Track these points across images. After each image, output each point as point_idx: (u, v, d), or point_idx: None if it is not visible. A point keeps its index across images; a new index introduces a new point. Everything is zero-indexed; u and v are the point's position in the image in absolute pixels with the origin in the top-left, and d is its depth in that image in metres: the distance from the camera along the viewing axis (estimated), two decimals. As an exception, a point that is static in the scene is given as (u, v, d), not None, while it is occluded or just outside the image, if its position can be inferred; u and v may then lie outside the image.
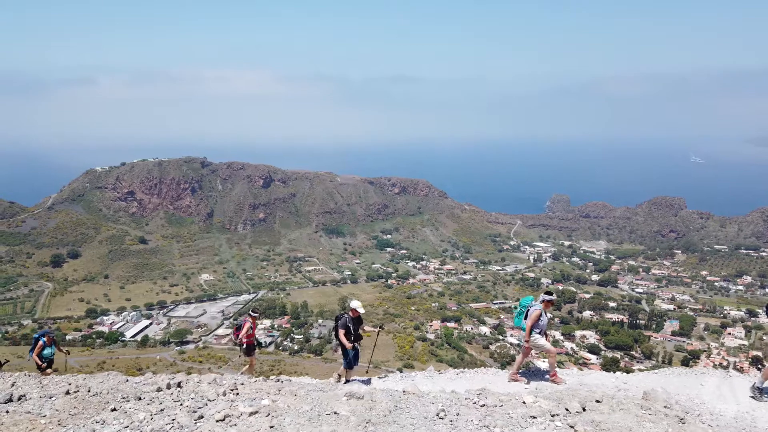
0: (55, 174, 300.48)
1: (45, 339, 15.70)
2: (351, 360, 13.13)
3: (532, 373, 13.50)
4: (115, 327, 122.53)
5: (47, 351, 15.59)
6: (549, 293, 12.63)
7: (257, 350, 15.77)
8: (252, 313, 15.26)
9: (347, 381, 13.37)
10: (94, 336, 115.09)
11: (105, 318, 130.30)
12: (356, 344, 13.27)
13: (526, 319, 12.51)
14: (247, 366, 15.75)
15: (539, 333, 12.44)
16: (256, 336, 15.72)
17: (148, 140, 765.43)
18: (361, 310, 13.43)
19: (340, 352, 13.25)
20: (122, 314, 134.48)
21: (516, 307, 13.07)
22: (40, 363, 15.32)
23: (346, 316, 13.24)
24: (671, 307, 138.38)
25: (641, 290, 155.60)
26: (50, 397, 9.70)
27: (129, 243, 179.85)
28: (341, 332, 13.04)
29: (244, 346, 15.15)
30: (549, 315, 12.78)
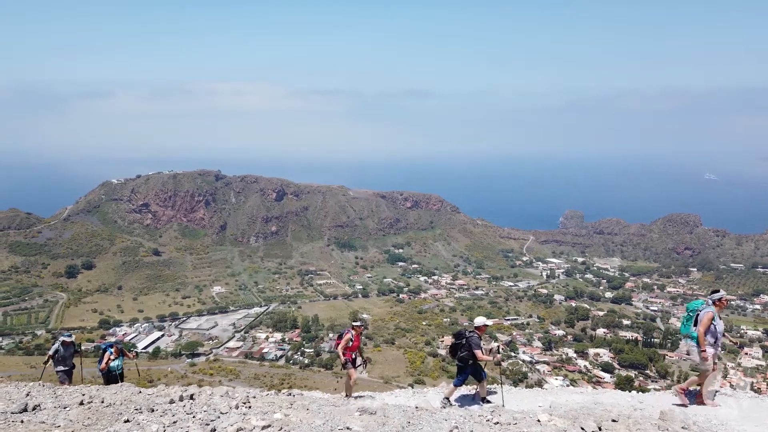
0: (71, 186, 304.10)
1: (113, 350, 15.03)
2: (482, 373, 12.77)
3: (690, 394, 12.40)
4: (127, 338, 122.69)
5: (115, 363, 14.82)
6: (716, 290, 11.52)
7: (362, 367, 14.20)
8: (354, 324, 14.04)
9: (484, 398, 12.99)
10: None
11: (118, 329, 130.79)
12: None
13: (696, 325, 11.22)
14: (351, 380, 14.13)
15: (714, 341, 11.27)
16: (361, 348, 14.28)
17: (163, 153, 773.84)
18: (489, 323, 13.01)
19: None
20: (135, 325, 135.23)
21: (685, 314, 11.85)
22: (104, 367, 14.70)
23: (475, 334, 12.56)
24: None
25: (656, 308, 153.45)
26: (64, 408, 9.74)
27: (143, 255, 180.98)
28: (478, 352, 12.30)
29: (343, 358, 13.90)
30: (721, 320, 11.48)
